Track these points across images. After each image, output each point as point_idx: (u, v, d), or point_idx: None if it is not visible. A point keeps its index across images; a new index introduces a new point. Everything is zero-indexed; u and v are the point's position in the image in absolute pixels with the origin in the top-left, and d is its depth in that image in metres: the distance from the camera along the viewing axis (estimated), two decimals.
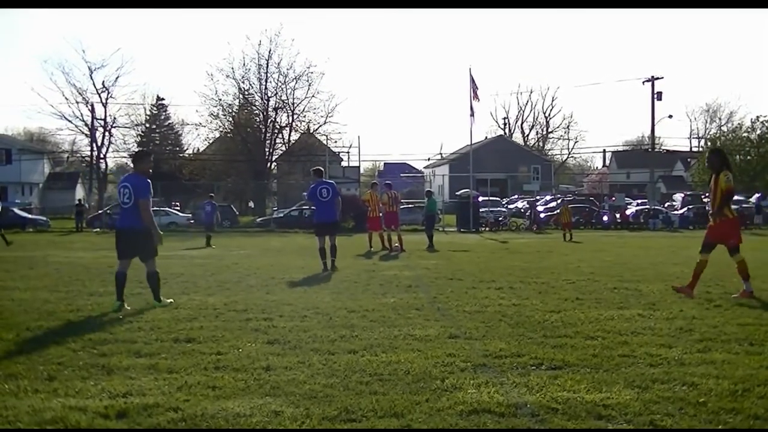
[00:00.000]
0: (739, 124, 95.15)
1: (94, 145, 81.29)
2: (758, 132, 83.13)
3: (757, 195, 63.99)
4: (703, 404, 6.06)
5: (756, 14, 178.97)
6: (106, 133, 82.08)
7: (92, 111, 79.52)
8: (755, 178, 77.66)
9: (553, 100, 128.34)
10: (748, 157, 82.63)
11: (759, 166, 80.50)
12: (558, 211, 48.42)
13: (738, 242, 13.01)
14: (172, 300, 12.43)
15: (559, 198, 69.23)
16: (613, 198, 66.96)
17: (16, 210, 57.20)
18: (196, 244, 32.26)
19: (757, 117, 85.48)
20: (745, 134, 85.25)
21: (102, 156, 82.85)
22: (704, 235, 13.42)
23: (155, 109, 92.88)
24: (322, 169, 20.39)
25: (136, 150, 14.52)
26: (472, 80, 50.47)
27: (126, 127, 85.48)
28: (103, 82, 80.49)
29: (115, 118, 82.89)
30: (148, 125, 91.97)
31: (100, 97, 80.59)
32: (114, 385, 6.71)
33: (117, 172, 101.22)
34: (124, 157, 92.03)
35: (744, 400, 6.17)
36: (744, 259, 12.95)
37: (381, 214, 27.03)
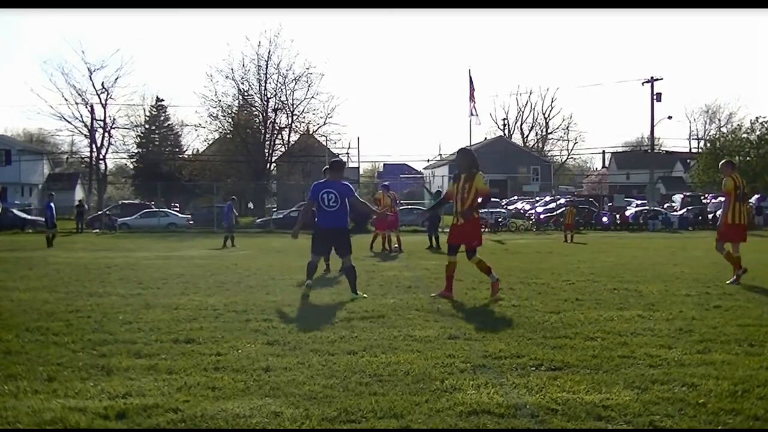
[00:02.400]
0: (738, 125, 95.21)
1: (94, 146, 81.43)
2: (758, 133, 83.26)
3: (756, 196, 64.03)
4: (702, 405, 6.05)
5: (755, 15, 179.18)
6: (106, 134, 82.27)
7: (92, 112, 79.73)
8: (755, 179, 77.66)
9: (552, 101, 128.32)
10: (748, 158, 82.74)
11: (758, 166, 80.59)
12: (563, 210, 48.44)
13: (479, 244, 13.31)
14: (366, 295, 12.88)
15: (559, 198, 69.33)
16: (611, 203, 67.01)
17: (15, 211, 57.30)
18: (213, 245, 32.42)
19: (757, 118, 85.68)
20: (745, 135, 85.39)
21: (101, 157, 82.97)
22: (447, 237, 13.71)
23: (155, 110, 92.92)
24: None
25: (335, 159, 14.71)
26: (471, 82, 50.54)
27: (125, 128, 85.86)
28: (103, 83, 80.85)
29: (114, 119, 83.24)
30: (147, 126, 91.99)
31: (99, 98, 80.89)
32: (114, 386, 6.71)
33: (116, 172, 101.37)
34: (124, 158, 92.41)
35: (744, 401, 6.17)
36: (482, 259, 13.23)
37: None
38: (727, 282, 14.91)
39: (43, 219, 35.77)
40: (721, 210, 16.04)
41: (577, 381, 6.84)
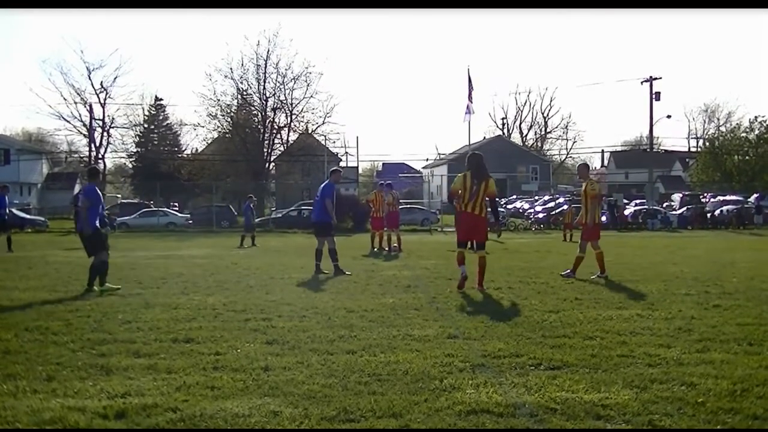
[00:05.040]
0: (737, 124, 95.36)
1: (93, 145, 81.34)
2: (756, 132, 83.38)
3: (755, 195, 64.10)
4: (701, 404, 6.06)
5: (754, 15, 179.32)
6: (105, 134, 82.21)
7: (90, 111, 79.61)
8: (754, 178, 77.82)
9: (551, 101, 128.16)
10: (747, 157, 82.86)
11: (757, 166, 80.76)
12: (563, 209, 48.41)
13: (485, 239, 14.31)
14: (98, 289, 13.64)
15: (557, 197, 69.32)
16: (612, 197, 66.98)
17: (15, 210, 57.17)
18: (215, 244, 32.38)
19: (756, 117, 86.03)
20: (744, 134, 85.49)
21: (100, 156, 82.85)
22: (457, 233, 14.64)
23: (153, 109, 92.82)
24: (337, 170, 19.95)
25: (89, 166, 14.95)
26: (470, 81, 50.63)
27: (124, 128, 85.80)
28: (102, 82, 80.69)
29: (113, 118, 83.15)
30: (146, 125, 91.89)
31: (98, 97, 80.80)
32: (113, 386, 6.71)
33: (115, 172, 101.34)
34: (122, 157, 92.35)
35: (743, 400, 6.17)
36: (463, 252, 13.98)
37: (383, 214, 26.88)
38: (593, 276, 15.74)
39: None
40: (573, 211, 16.58)
41: (576, 380, 6.85)
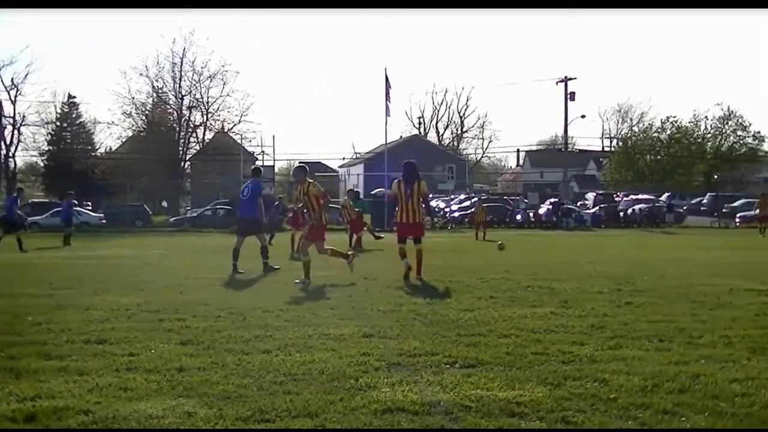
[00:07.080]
0: (649, 124, 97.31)
1: (3, 143, 79.66)
2: (668, 132, 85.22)
3: (667, 194, 65.44)
4: (613, 400, 6.14)
5: (665, 15, 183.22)
6: (15, 131, 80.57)
7: (0, 108, 77.91)
8: (665, 178, 79.52)
9: (467, 100, 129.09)
10: (658, 157, 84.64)
11: (669, 165, 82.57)
12: (473, 210, 48.78)
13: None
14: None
15: (473, 197, 69.90)
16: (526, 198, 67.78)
17: None
18: (129, 244, 31.84)
19: (667, 117, 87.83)
20: (656, 134, 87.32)
21: (11, 155, 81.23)
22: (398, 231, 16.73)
23: (66, 107, 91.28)
24: (258, 168, 19.94)
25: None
26: (387, 81, 50.83)
27: (36, 125, 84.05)
28: (12, 78, 79.01)
29: (24, 115, 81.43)
30: (59, 123, 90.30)
31: (8, 94, 79.08)
32: (22, 389, 6.56)
33: (26, 171, 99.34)
34: (34, 155, 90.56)
35: (653, 396, 6.27)
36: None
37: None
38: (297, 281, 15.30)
39: (64, 219, 35.48)
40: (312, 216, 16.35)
41: (490, 378, 6.89)
